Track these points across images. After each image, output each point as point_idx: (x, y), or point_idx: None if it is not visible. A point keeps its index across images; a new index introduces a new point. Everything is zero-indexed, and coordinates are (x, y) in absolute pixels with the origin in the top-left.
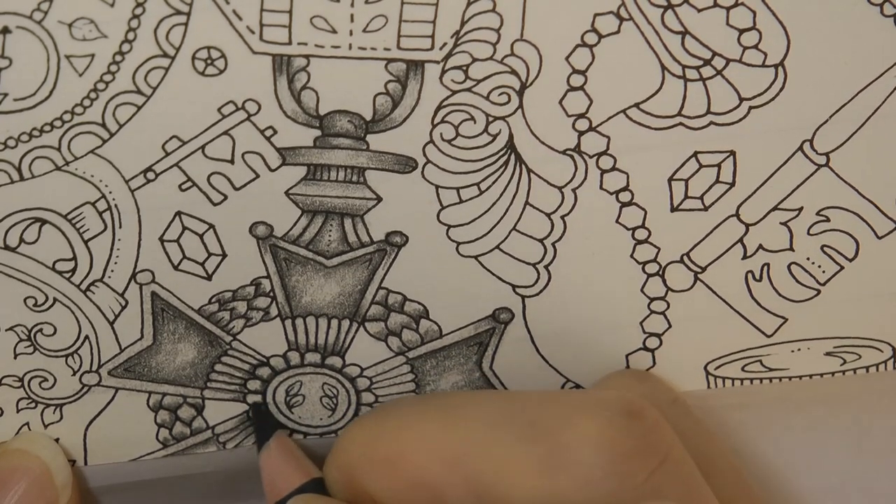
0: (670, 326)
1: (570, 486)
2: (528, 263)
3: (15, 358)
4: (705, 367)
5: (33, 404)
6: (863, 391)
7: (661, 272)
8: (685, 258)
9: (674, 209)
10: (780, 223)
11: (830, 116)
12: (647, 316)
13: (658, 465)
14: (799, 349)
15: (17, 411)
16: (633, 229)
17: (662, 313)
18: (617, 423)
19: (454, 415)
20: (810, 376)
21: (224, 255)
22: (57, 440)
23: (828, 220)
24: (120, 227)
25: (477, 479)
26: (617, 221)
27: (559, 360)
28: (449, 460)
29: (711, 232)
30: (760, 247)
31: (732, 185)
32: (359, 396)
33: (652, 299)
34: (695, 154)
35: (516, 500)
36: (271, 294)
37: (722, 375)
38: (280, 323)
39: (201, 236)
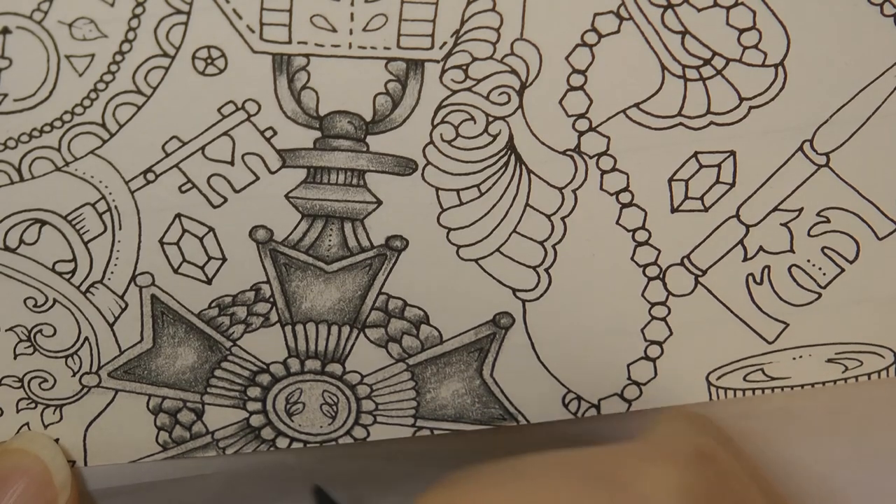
0: (671, 333)
1: None
2: (529, 266)
3: (15, 358)
4: (707, 378)
5: (33, 405)
6: (865, 399)
7: (661, 275)
8: (686, 261)
9: (674, 210)
10: (781, 224)
11: (830, 116)
12: (648, 322)
13: None
14: (801, 356)
15: (17, 411)
16: (634, 230)
17: (663, 319)
18: (691, 467)
19: (525, 482)
20: (812, 385)
21: (224, 259)
22: (57, 440)
23: (828, 220)
24: (120, 228)
25: None
26: (617, 222)
27: (559, 369)
28: None
29: (712, 233)
30: (761, 248)
31: (732, 185)
32: (359, 404)
33: (653, 304)
34: (695, 154)
35: None
36: (271, 299)
37: (724, 386)
38: (280, 329)
39: (201, 239)
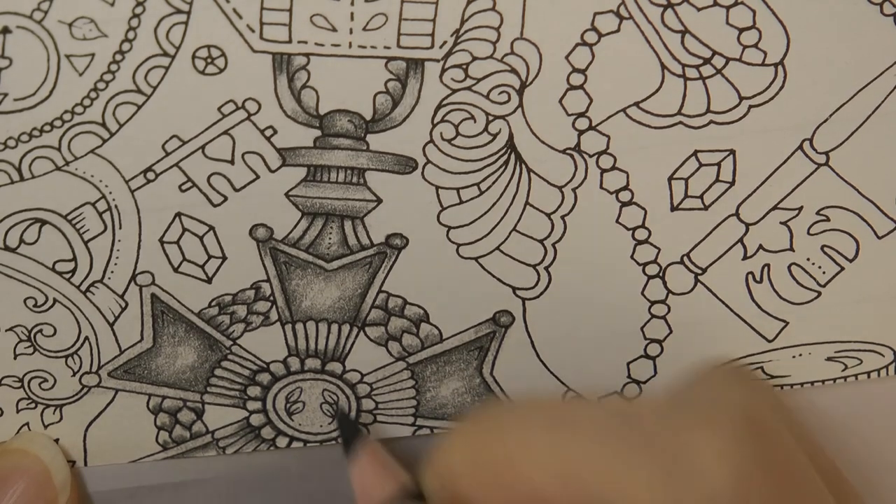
0: (671, 332)
1: (692, 500)
2: (529, 265)
3: (15, 358)
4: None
5: (33, 405)
6: (865, 398)
7: (661, 273)
8: (685, 259)
9: (674, 208)
10: (780, 223)
11: (830, 115)
12: (648, 320)
13: (784, 476)
14: (800, 354)
15: (17, 411)
16: (634, 229)
17: (663, 317)
18: (740, 433)
19: (566, 425)
20: (811, 383)
21: (224, 258)
22: (57, 440)
23: (828, 219)
24: (120, 227)
25: (591, 495)
26: (617, 221)
27: (560, 367)
28: (561, 475)
29: (711, 232)
30: (761, 247)
31: (732, 184)
32: (359, 403)
33: (652, 302)
34: (695, 153)
35: None
36: (271, 298)
37: None
38: (280, 328)
39: (201, 238)
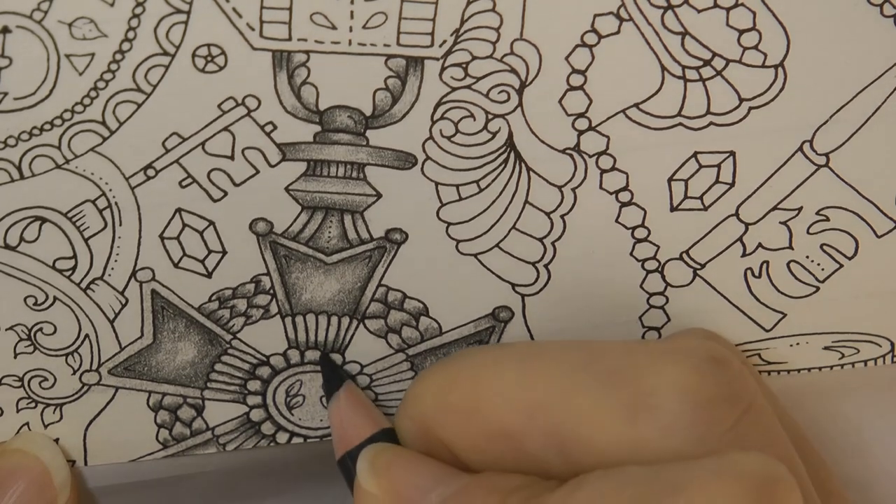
0: (669, 320)
1: (653, 433)
2: (528, 262)
3: (15, 357)
4: None
5: (33, 404)
6: (862, 385)
7: (660, 269)
8: (684, 255)
9: (673, 209)
10: (780, 222)
11: (830, 117)
12: (647, 311)
13: (742, 413)
14: (798, 343)
15: (17, 411)
16: (633, 228)
17: (661, 308)
18: (702, 369)
19: (531, 363)
20: (808, 370)
21: (224, 253)
22: (57, 440)
23: (827, 219)
24: (120, 224)
25: (557, 428)
26: (616, 221)
27: None
28: (528, 409)
29: (711, 231)
30: (760, 245)
31: (732, 185)
32: None
33: (651, 294)
34: (695, 154)
35: (598, 448)
36: (271, 291)
37: None
38: (280, 321)
39: (201, 233)
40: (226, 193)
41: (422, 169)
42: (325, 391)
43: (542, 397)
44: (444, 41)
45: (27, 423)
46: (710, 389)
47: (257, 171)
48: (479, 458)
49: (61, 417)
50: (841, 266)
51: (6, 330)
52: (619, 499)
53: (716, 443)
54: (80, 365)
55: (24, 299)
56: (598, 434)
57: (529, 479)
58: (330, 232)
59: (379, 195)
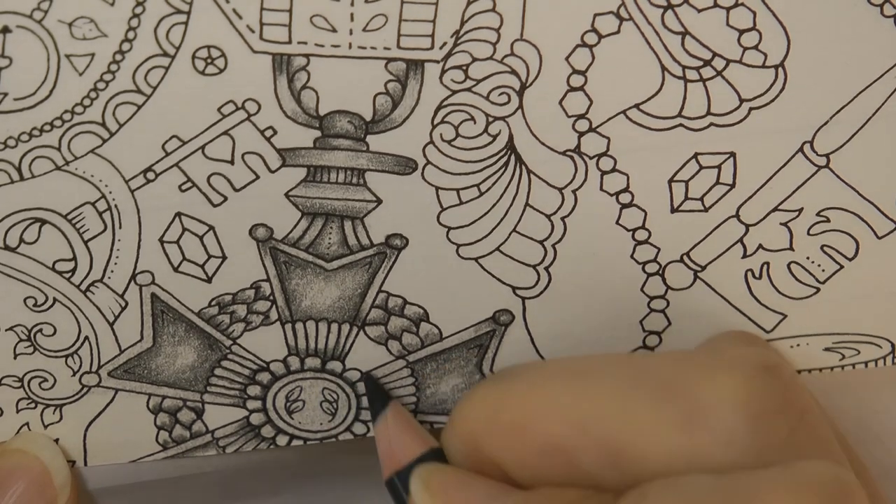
0: (670, 324)
1: (709, 443)
2: (529, 265)
3: (15, 358)
4: None
5: (33, 405)
6: (862, 385)
7: (660, 271)
8: (685, 257)
9: (674, 210)
10: (781, 224)
11: (831, 118)
12: (647, 314)
13: (797, 421)
14: (798, 344)
15: (17, 411)
16: (634, 230)
17: (662, 311)
18: (756, 379)
19: (582, 378)
20: (809, 371)
21: (224, 258)
22: (57, 441)
23: (828, 220)
24: (120, 227)
25: (611, 441)
26: (617, 223)
27: None
28: (580, 423)
29: (711, 232)
30: (760, 246)
31: (733, 186)
32: (359, 401)
33: (652, 298)
34: (695, 155)
35: (655, 460)
36: (271, 297)
37: None
38: (280, 327)
39: (201, 238)
40: (226, 198)
41: (422, 174)
42: (370, 411)
43: (595, 411)
44: (445, 43)
45: (27, 424)
46: (764, 399)
47: (257, 177)
48: (530, 475)
49: (61, 418)
50: (841, 267)
51: (6, 330)
52: None
53: (774, 453)
54: (80, 366)
55: (24, 300)
56: (654, 446)
57: (586, 492)
58: (330, 238)
59: (379, 201)
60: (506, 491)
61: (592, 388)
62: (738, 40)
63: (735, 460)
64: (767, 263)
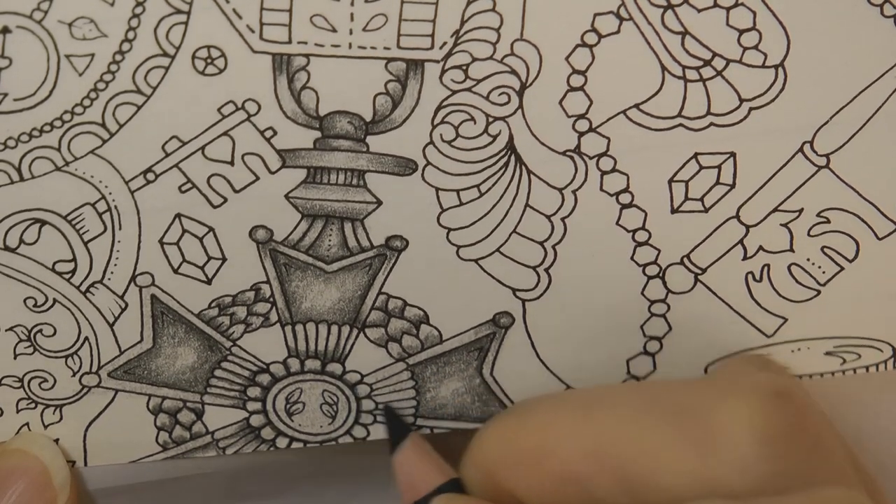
0: (671, 329)
1: (723, 470)
2: (529, 266)
3: (15, 358)
4: (706, 369)
5: (33, 405)
6: (863, 390)
7: (661, 274)
8: (685, 260)
9: (674, 211)
10: (781, 224)
11: (831, 118)
12: (648, 319)
13: (812, 447)
14: (799, 349)
15: (17, 412)
16: (634, 231)
17: (663, 315)
18: (769, 405)
19: (596, 407)
20: (810, 375)
21: (224, 259)
22: (57, 441)
23: (828, 221)
24: (120, 228)
25: (625, 469)
26: (617, 223)
27: (560, 366)
28: (595, 452)
29: (712, 233)
30: (761, 248)
31: (733, 186)
32: (359, 403)
33: (652, 302)
34: (695, 155)
35: (668, 486)
36: (271, 299)
37: None
38: (280, 329)
39: (201, 239)
40: (225, 200)
41: (422, 175)
42: (390, 442)
43: (609, 440)
44: (445, 43)
45: (27, 424)
46: (778, 425)
47: (257, 178)
48: None
49: (61, 418)
50: (842, 269)
51: (6, 331)
52: None
53: (788, 478)
54: (80, 367)
55: (24, 301)
56: (669, 474)
57: None
58: (330, 240)
59: (379, 202)
60: None
61: (606, 417)
62: (738, 40)
63: (749, 486)
64: (768, 265)
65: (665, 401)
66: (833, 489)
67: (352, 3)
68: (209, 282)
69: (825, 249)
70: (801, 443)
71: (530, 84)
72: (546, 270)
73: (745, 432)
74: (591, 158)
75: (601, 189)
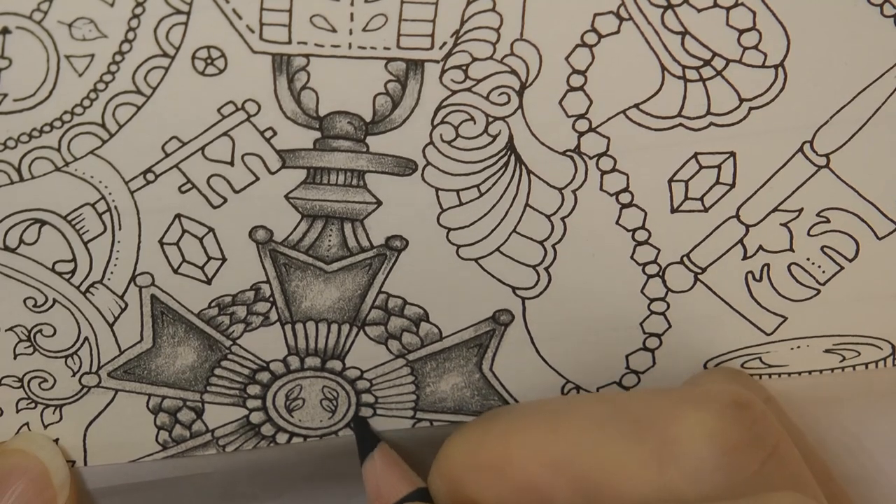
0: (670, 326)
1: (680, 478)
2: (528, 265)
3: (15, 358)
4: (705, 366)
5: (33, 405)
6: (862, 388)
7: (661, 273)
8: (685, 259)
9: (674, 210)
10: (781, 224)
11: (831, 117)
12: (647, 317)
13: (767, 456)
14: (798, 346)
15: (17, 411)
16: (634, 230)
17: (662, 314)
18: (725, 414)
19: (559, 417)
20: (809, 372)
21: (224, 259)
22: (56, 441)
23: (828, 221)
24: (119, 228)
25: (585, 479)
26: (617, 223)
27: (559, 361)
28: (555, 463)
29: (712, 233)
30: (760, 247)
31: (732, 186)
32: (359, 398)
33: (652, 300)
34: (695, 155)
35: (626, 497)
36: (271, 299)
37: None
38: (280, 328)
39: (201, 239)
40: (225, 200)
41: (422, 175)
42: (359, 453)
43: (569, 450)
44: (444, 43)
45: (27, 424)
46: (734, 434)
47: (257, 178)
48: None
49: (61, 418)
50: (842, 268)
51: (6, 331)
52: None
53: (743, 486)
54: (80, 367)
55: (24, 301)
56: (625, 484)
57: None
58: (330, 240)
59: (379, 203)
60: None
61: (567, 427)
62: (738, 40)
63: (705, 494)
64: (768, 265)
65: (627, 411)
66: (784, 494)
67: (352, 4)
68: (209, 282)
69: (825, 249)
70: (756, 451)
71: (530, 84)
72: (546, 269)
73: (700, 441)
74: (590, 158)
75: (601, 189)
